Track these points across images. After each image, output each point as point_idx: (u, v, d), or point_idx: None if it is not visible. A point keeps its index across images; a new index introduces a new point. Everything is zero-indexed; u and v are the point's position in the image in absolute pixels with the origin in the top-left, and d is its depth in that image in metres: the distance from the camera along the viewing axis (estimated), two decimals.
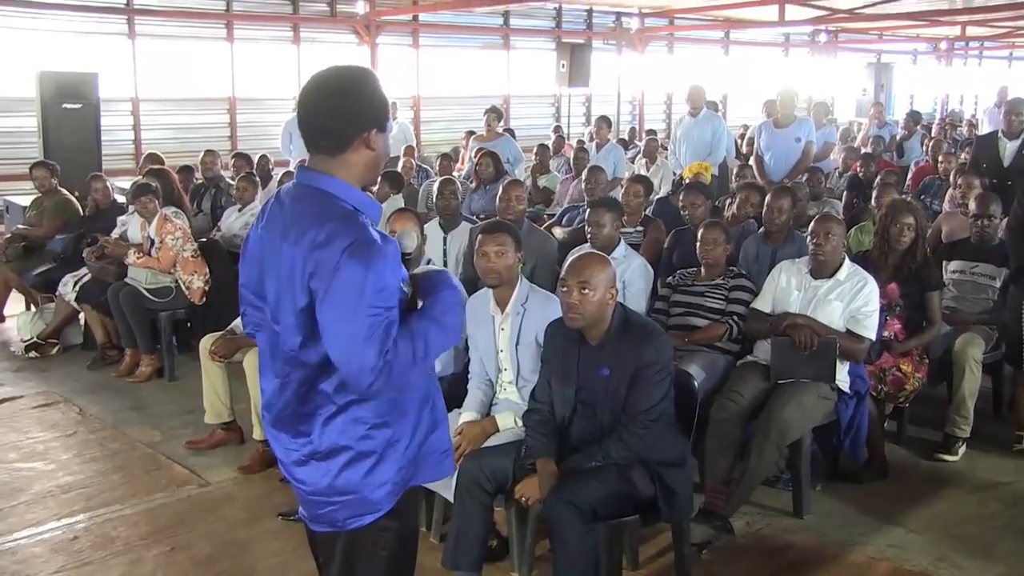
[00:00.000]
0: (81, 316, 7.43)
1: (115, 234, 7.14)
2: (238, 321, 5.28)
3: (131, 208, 7.11)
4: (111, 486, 4.98)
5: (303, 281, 2.27)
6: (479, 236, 4.17)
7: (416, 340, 2.32)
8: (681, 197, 6.47)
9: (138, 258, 6.65)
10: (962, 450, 5.21)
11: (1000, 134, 7.54)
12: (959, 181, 7.06)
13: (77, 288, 7.08)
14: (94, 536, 4.43)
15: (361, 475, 2.38)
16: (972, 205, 5.85)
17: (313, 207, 2.31)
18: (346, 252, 2.21)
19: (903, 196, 6.97)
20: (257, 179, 8.24)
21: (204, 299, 6.79)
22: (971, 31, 23.09)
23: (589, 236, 5.42)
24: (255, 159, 9.66)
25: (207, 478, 5.07)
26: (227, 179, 9.01)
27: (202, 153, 9.20)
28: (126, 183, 8.57)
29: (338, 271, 2.21)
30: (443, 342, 2.41)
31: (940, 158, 9.01)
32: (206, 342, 5.38)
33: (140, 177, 7.57)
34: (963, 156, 9.72)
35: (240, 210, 7.80)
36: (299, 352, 2.35)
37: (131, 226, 7.06)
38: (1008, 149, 7.38)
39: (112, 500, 4.80)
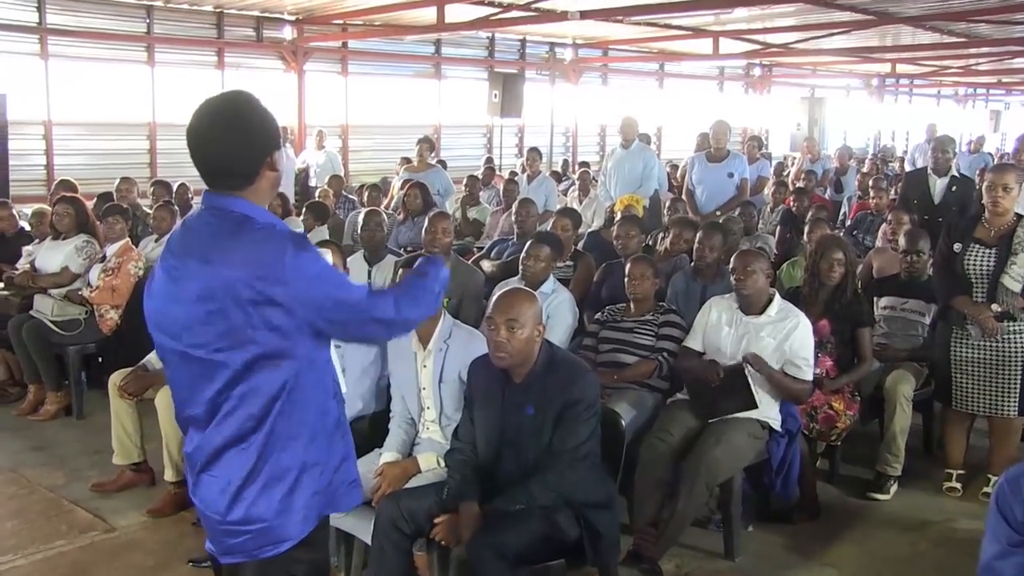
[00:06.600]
0: None
1: (21, 264, 6.82)
2: (150, 356, 5.06)
3: (37, 238, 6.80)
4: (4, 535, 4.65)
5: (238, 298, 2.22)
6: (400, 270, 4.05)
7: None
8: (616, 227, 6.39)
9: (91, 292, 6.33)
10: (894, 488, 5.17)
11: (929, 171, 7.60)
12: (890, 217, 7.09)
13: None
14: None
15: (277, 501, 2.33)
16: (901, 241, 5.86)
17: (233, 228, 2.29)
18: (290, 253, 2.24)
19: (835, 231, 6.96)
20: (176, 208, 7.94)
21: (115, 331, 6.45)
22: (901, 68, 23.58)
23: (522, 268, 5.33)
24: (174, 187, 9.35)
25: (113, 523, 4.79)
26: (144, 208, 8.70)
27: (118, 180, 8.87)
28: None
29: (297, 273, 2.24)
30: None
31: (872, 193, 9.01)
32: (115, 378, 5.15)
33: (48, 204, 7.25)
34: (893, 192, 9.81)
35: (157, 240, 7.52)
36: (216, 372, 2.29)
37: (39, 256, 6.73)
38: (938, 186, 7.47)
39: (4, 550, 4.47)
